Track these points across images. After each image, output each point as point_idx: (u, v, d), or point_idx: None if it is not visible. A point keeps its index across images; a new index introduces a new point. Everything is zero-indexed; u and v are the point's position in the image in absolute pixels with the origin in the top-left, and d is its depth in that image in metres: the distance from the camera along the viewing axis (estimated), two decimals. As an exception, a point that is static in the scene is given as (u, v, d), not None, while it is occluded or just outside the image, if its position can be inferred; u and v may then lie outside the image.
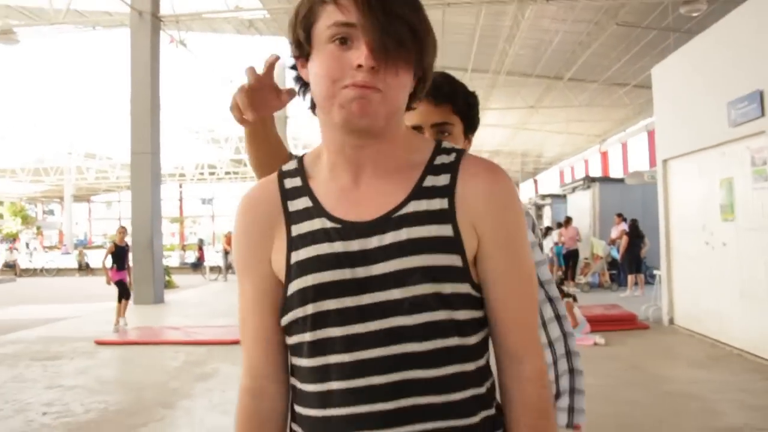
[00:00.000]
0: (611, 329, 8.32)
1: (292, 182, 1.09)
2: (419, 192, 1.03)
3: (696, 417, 4.82)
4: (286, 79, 1.17)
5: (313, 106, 1.07)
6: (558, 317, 1.52)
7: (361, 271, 0.99)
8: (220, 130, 36.24)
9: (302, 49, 1.03)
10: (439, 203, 1.02)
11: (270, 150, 1.20)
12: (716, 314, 7.51)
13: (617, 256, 13.68)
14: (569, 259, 14.83)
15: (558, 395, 1.50)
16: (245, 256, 1.09)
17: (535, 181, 46.59)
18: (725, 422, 4.64)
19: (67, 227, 49.69)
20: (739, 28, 6.98)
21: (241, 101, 1.17)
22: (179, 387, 6.13)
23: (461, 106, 1.57)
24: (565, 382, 1.50)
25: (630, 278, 12.82)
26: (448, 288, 0.99)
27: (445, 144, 1.10)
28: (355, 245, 1.00)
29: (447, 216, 1.01)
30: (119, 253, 9.63)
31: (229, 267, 20.12)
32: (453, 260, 0.99)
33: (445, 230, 1.00)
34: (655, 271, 10.35)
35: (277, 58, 1.18)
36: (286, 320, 1.04)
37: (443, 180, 1.04)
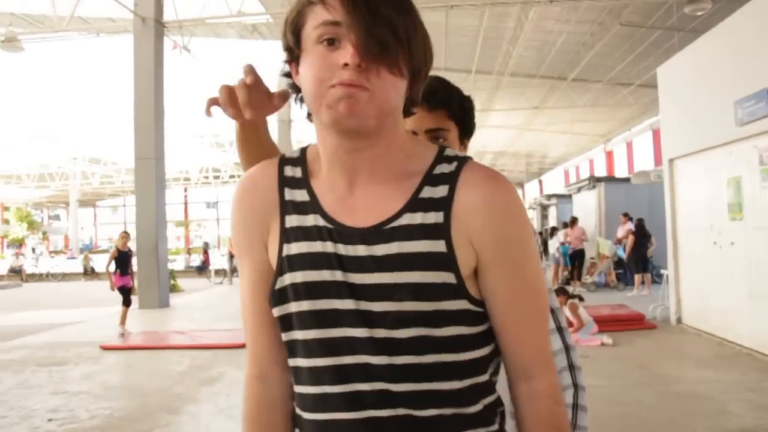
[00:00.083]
0: (619, 329, 8.28)
1: (292, 171, 1.08)
2: (415, 204, 0.99)
3: (705, 418, 4.77)
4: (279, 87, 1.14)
5: (309, 114, 1.04)
6: (559, 329, 1.46)
7: (350, 276, 0.97)
8: (224, 135, 36.34)
9: (293, 54, 1.01)
10: (434, 217, 0.98)
11: (262, 154, 1.17)
12: (724, 313, 7.46)
13: (623, 255, 13.63)
14: (575, 259, 14.79)
15: None
16: (244, 242, 1.09)
17: (540, 182, 46.49)
18: (735, 423, 4.59)
19: (73, 232, 49.84)
20: (745, 27, 6.93)
21: (241, 97, 1.14)
22: (184, 392, 6.11)
23: (456, 110, 1.53)
24: (568, 397, 1.46)
25: (637, 278, 12.77)
26: (437, 306, 0.96)
27: (448, 152, 1.05)
28: (345, 249, 0.98)
29: (441, 231, 0.97)
30: (122, 259, 9.58)
31: (234, 270, 20.11)
32: (445, 277, 0.96)
33: (437, 246, 0.97)
34: (662, 271, 10.29)
35: (251, 67, 1.16)
36: (275, 314, 1.03)
37: (441, 191, 0.99)
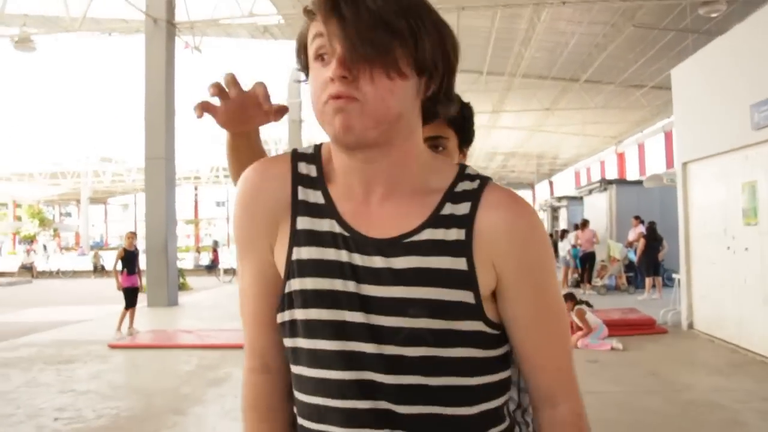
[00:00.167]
0: (629, 333, 8.19)
1: (307, 169, 1.02)
2: (436, 220, 0.95)
3: (718, 428, 4.69)
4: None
5: None
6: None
7: (364, 288, 0.93)
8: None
9: (307, 72, 0.97)
10: (456, 233, 0.94)
11: (251, 163, 1.13)
12: (737, 319, 7.36)
13: (634, 258, 13.52)
14: (586, 262, 14.70)
15: None
16: (247, 241, 1.03)
17: (551, 183, 46.33)
18: (749, 433, 4.51)
19: (84, 229, 50.18)
20: (761, 29, 6.83)
21: (227, 82, 1.10)
22: (191, 392, 6.09)
23: (455, 118, 1.48)
24: None
25: (648, 281, 12.66)
26: (452, 325, 0.92)
27: (469, 170, 1.01)
28: (360, 260, 0.94)
29: (463, 248, 0.93)
30: (129, 258, 9.55)
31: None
32: (464, 296, 0.92)
33: (458, 263, 0.93)
34: (673, 275, 10.19)
35: (265, 97, 1.10)
36: (280, 319, 0.99)
37: (463, 209, 0.95)
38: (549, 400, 0.99)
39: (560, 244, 16.31)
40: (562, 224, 22.17)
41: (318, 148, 1.04)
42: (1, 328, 10.87)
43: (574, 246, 15.28)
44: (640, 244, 12.76)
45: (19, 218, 52.35)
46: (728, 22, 8.94)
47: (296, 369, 0.99)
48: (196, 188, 52.63)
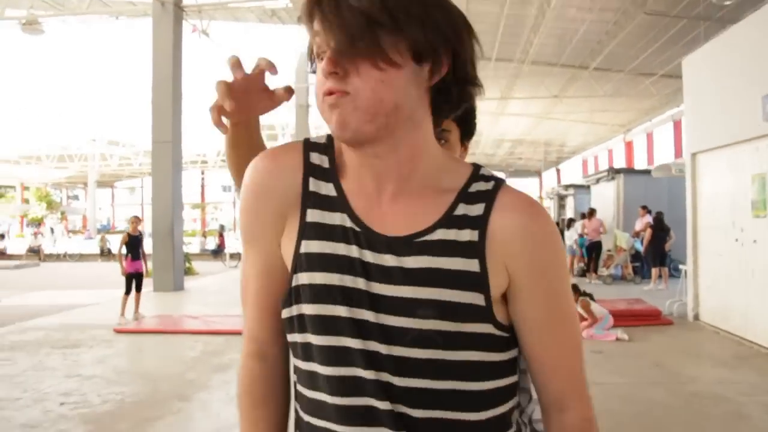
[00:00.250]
0: (634, 324, 8.17)
1: (319, 159, 0.99)
2: (449, 220, 0.93)
3: (722, 421, 4.68)
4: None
5: None
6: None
7: (373, 286, 0.91)
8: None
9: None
10: (468, 234, 0.92)
11: (251, 155, 1.09)
12: (744, 312, 7.32)
13: (641, 248, 13.47)
14: (592, 251, 14.65)
15: None
16: (253, 230, 1.01)
17: (558, 171, 46.13)
18: (754, 428, 4.49)
19: (91, 213, 50.39)
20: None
21: (220, 92, 1.06)
22: (196, 378, 6.12)
23: None
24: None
25: (654, 271, 12.62)
26: (461, 327, 0.90)
27: (484, 170, 0.99)
28: (372, 257, 0.92)
29: (475, 249, 0.91)
30: (133, 243, 9.47)
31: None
32: (475, 298, 0.90)
33: (471, 265, 0.91)
34: (680, 266, 10.15)
35: (270, 65, 1.07)
36: (286, 314, 0.97)
37: (477, 210, 0.93)
38: (558, 403, 0.98)
39: (567, 233, 16.26)
40: (569, 213, 22.09)
41: (331, 138, 1.02)
42: (8, 311, 10.97)
43: (580, 235, 15.24)
44: (647, 234, 12.71)
45: (26, 201, 52.57)
46: (741, 11, 8.82)
47: (306, 365, 0.97)
48: (202, 172, 52.62)
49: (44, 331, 8.61)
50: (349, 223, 0.94)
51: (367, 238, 0.93)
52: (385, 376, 0.90)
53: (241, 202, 1.02)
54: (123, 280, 9.38)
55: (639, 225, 13.81)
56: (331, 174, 0.98)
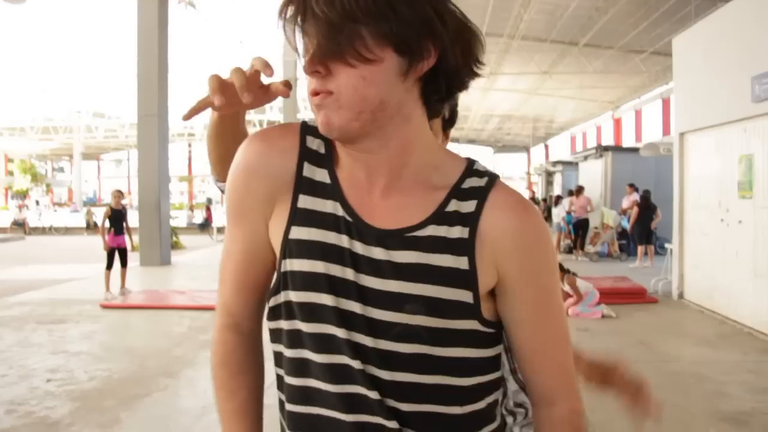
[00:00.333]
0: (620, 302, 8.25)
1: (315, 144, 0.97)
2: (441, 216, 0.92)
3: (703, 399, 4.75)
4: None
5: None
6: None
7: (362, 278, 0.90)
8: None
9: None
10: (459, 231, 0.91)
11: (235, 146, 1.05)
12: (727, 291, 7.42)
13: (627, 226, 13.57)
14: (579, 229, 14.73)
15: None
16: (241, 210, 0.99)
17: (546, 146, 46.21)
18: (733, 406, 4.57)
19: (77, 185, 49.94)
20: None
21: (211, 87, 1.00)
22: (183, 355, 6.12)
23: None
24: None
25: (640, 249, 12.73)
26: (447, 323, 0.90)
27: (478, 166, 0.98)
28: (361, 248, 0.91)
29: (465, 247, 0.91)
30: (116, 217, 9.37)
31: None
32: (463, 295, 0.90)
33: (460, 262, 0.90)
34: (666, 244, 10.24)
35: (265, 66, 1.01)
36: (273, 302, 0.96)
37: (468, 206, 0.92)
38: (547, 397, 0.99)
39: (554, 210, 16.33)
40: (557, 190, 22.17)
41: None
42: (-7, 286, 10.89)
43: (568, 212, 15.30)
44: (634, 212, 12.79)
45: (11, 173, 51.97)
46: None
47: (293, 352, 0.96)
48: (189, 145, 52.21)
49: (30, 306, 8.57)
50: (341, 212, 0.93)
51: (358, 229, 0.92)
52: (371, 369, 0.90)
53: (230, 179, 0.99)
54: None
55: (626, 203, 13.89)
56: (327, 160, 0.96)
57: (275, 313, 0.97)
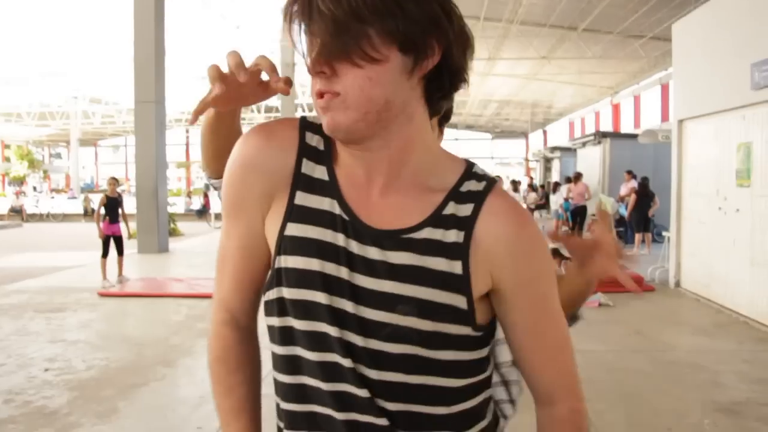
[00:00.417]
0: (617, 290, 8.25)
1: (315, 140, 0.97)
2: (437, 219, 0.92)
3: (699, 389, 4.77)
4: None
5: None
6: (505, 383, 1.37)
7: (356, 277, 0.90)
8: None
9: None
10: (455, 235, 0.91)
11: (229, 142, 1.04)
12: (724, 280, 7.43)
13: (625, 213, 13.57)
14: (577, 216, 14.75)
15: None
16: (238, 205, 0.98)
17: (545, 132, 46.04)
18: (728, 396, 4.59)
19: (74, 172, 49.77)
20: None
21: (211, 76, 0.96)
22: (181, 343, 6.13)
23: None
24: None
25: (637, 236, 12.74)
26: (439, 327, 0.90)
27: (477, 169, 0.98)
28: (357, 247, 0.91)
29: (460, 251, 0.91)
30: (111, 205, 9.33)
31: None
32: (456, 300, 0.90)
33: (454, 266, 0.90)
34: (663, 232, 10.24)
35: (271, 68, 0.97)
36: (268, 297, 0.96)
37: (465, 210, 0.92)
38: (547, 398, 0.99)
39: (552, 197, 16.34)
40: (555, 176, 22.16)
41: None
42: (-9, 273, 10.89)
43: (565, 199, 15.31)
44: (631, 200, 12.79)
45: (7, 159, 51.79)
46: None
47: (284, 350, 0.96)
48: (187, 131, 51.97)
49: (28, 295, 8.57)
50: (338, 210, 0.93)
51: (355, 228, 0.92)
52: (361, 368, 0.90)
53: (227, 174, 0.98)
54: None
55: (624, 190, 13.89)
56: (326, 157, 0.96)
57: (269, 310, 0.97)
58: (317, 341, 0.92)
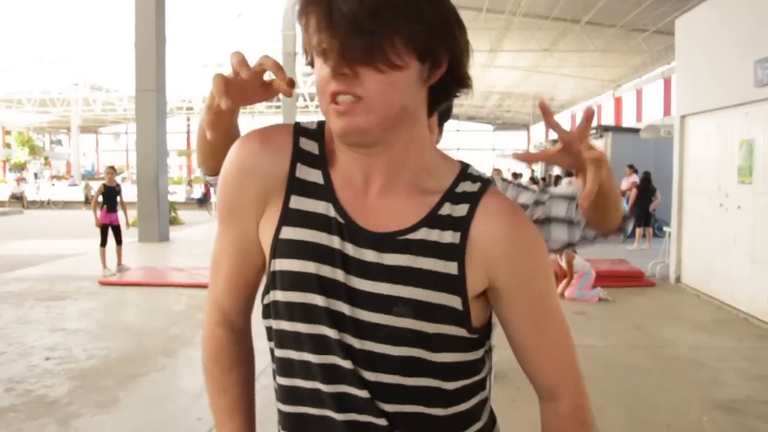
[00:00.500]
0: (617, 285, 8.27)
1: (308, 145, 0.97)
2: (433, 220, 0.92)
3: (698, 386, 4.78)
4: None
5: None
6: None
7: (351, 280, 0.90)
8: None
9: (310, 59, 0.91)
10: (450, 236, 0.91)
11: (226, 146, 1.03)
12: (725, 277, 7.43)
13: (626, 208, 13.54)
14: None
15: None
16: (232, 210, 0.99)
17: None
18: (728, 394, 4.60)
19: (75, 159, 49.73)
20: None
21: (216, 87, 0.98)
22: (181, 333, 6.14)
23: None
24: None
25: (638, 231, 12.74)
26: (435, 328, 0.90)
27: (472, 170, 0.98)
28: (352, 250, 0.91)
29: (455, 252, 0.91)
30: (109, 194, 9.33)
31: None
32: (451, 301, 0.90)
33: (449, 267, 0.90)
34: (664, 228, 10.24)
35: (277, 68, 0.98)
36: (266, 300, 0.97)
37: (460, 211, 0.93)
38: (550, 393, 0.99)
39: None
40: (556, 169, 22.11)
41: (322, 124, 1.00)
42: (-9, 261, 10.90)
43: (566, 193, 15.27)
44: (633, 194, 12.78)
45: (8, 146, 51.72)
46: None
47: (281, 353, 0.97)
48: (188, 119, 51.87)
49: (28, 283, 8.58)
50: (333, 213, 0.93)
51: (350, 230, 0.92)
52: (358, 370, 0.91)
53: (222, 178, 0.99)
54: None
55: (625, 184, 13.86)
56: (320, 161, 0.96)
57: (266, 312, 0.98)
58: (317, 344, 0.92)
